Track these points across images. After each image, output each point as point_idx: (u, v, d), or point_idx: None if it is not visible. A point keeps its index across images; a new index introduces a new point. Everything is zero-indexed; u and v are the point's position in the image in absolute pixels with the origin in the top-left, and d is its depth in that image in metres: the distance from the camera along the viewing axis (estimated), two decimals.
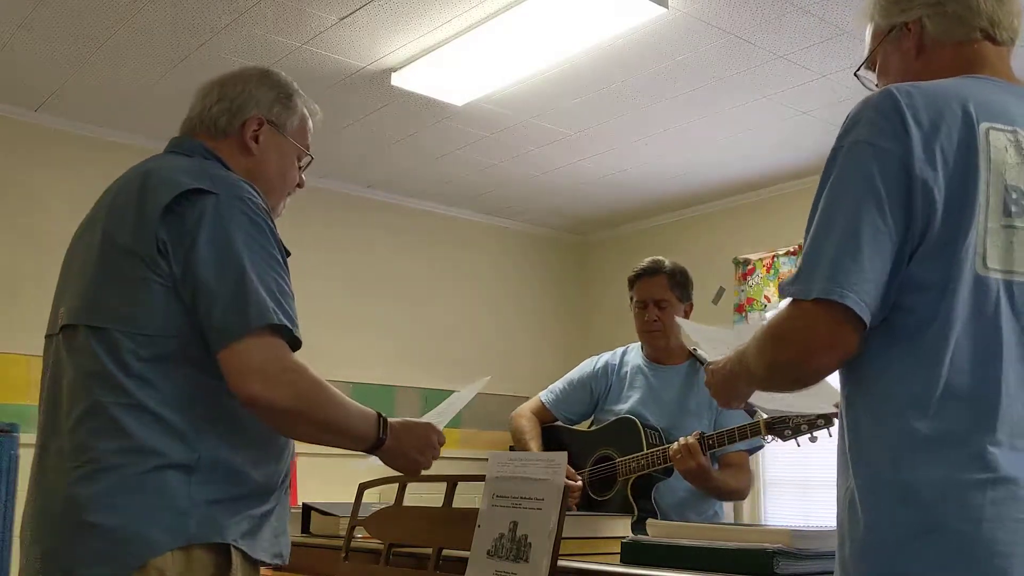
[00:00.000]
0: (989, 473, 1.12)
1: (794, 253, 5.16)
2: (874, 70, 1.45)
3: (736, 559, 1.49)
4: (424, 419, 1.77)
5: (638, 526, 1.98)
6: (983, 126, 1.20)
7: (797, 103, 4.28)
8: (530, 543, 1.50)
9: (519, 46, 3.67)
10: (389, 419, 1.60)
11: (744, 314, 5.32)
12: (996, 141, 1.20)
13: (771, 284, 5.28)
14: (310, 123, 1.75)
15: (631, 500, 2.49)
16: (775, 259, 5.26)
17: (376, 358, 5.53)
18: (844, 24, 3.54)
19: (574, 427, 2.77)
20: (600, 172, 5.27)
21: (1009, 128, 1.22)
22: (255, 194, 1.50)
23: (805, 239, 1.23)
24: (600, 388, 2.78)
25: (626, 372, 2.75)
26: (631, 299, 2.74)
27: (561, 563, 1.50)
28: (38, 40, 3.77)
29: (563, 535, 1.48)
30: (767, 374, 1.29)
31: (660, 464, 2.45)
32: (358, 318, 5.49)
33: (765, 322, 1.28)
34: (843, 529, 1.21)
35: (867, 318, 1.16)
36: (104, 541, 1.36)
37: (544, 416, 2.79)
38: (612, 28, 3.52)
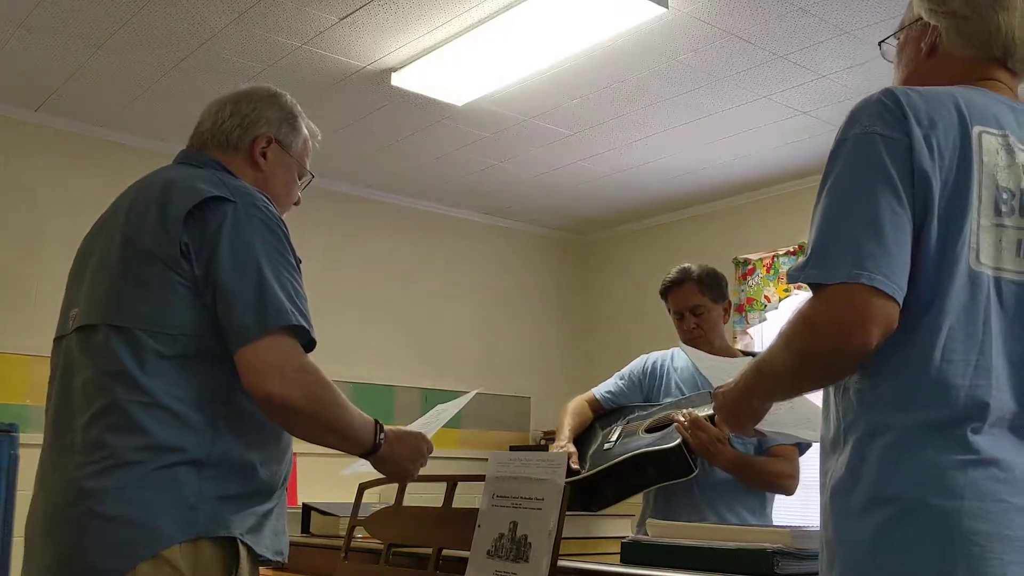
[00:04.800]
0: (972, 455, 1.15)
1: (794, 253, 5.16)
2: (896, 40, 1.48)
3: (736, 559, 1.49)
4: (414, 426, 1.82)
5: (639, 526, 1.98)
6: (976, 129, 1.23)
7: (797, 103, 4.28)
8: (530, 543, 1.50)
9: (519, 46, 3.67)
10: (385, 426, 1.66)
11: (744, 314, 5.32)
12: (988, 144, 1.24)
13: (771, 284, 5.28)
14: (311, 144, 1.84)
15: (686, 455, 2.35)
16: (775, 259, 5.26)
17: (376, 358, 5.53)
18: (844, 24, 3.54)
19: (642, 404, 2.71)
20: (600, 172, 5.27)
21: (1000, 132, 1.26)
22: (269, 203, 1.58)
23: (811, 228, 1.23)
24: (650, 385, 2.75)
25: (678, 370, 2.73)
26: (668, 310, 2.73)
27: (561, 563, 1.50)
28: (38, 40, 3.77)
29: (563, 535, 1.48)
30: (797, 368, 1.24)
31: (708, 405, 2.34)
32: (357, 318, 5.49)
33: (785, 320, 1.26)
34: (827, 512, 1.23)
35: (899, 297, 1.16)
36: (116, 531, 1.40)
37: (597, 408, 2.78)
38: (612, 28, 3.52)
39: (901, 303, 1.16)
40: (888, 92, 1.24)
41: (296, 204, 1.84)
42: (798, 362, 1.24)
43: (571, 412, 2.73)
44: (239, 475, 1.50)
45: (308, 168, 1.84)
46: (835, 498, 1.21)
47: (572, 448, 2.55)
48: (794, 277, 1.22)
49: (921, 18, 1.40)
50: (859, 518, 1.17)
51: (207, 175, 1.59)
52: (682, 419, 2.35)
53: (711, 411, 2.35)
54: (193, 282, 1.48)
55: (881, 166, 1.19)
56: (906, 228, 1.18)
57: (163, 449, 1.44)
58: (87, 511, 1.42)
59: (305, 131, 1.82)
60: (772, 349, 1.28)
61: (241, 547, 1.48)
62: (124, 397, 1.45)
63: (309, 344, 1.52)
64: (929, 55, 1.38)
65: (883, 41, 1.50)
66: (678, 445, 2.32)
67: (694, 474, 2.32)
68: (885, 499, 1.16)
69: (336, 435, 1.55)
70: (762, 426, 1.50)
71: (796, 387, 1.34)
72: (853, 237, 1.17)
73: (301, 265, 1.59)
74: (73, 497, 1.44)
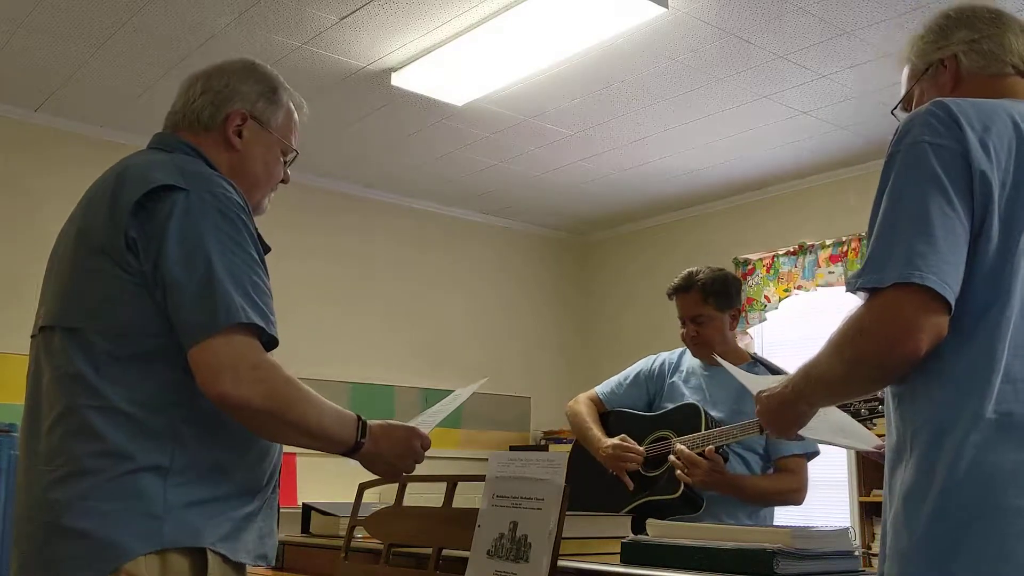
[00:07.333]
0: None
1: (794, 253, 5.16)
2: (910, 109, 1.50)
3: (736, 559, 1.49)
4: (415, 420, 1.72)
5: (638, 524, 1.97)
6: None
7: (797, 103, 4.28)
8: (530, 543, 1.50)
9: (519, 46, 3.67)
10: (370, 422, 1.54)
11: (744, 314, 5.32)
12: None
13: (771, 284, 5.28)
14: (296, 117, 1.70)
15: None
16: (775, 259, 5.26)
17: (376, 358, 5.53)
18: (844, 24, 3.54)
19: (637, 411, 2.73)
20: (600, 172, 5.27)
21: None
22: (229, 189, 1.46)
23: (868, 238, 1.25)
24: (655, 387, 2.75)
25: (683, 371, 2.72)
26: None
27: (561, 563, 1.50)
28: (38, 40, 3.77)
29: (563, 535, 1.48)
30: (848, 373, 1.27)
31: (712, 444, 2.42)
32: (357, 318, 5.49)
33: (838, 326, 1.27)
34: (899, 519, 1.22)
35: (951, 298, 1.17)
36: (77, 546, 1.34)
37: (598, 408, 2.78)
38: (612, 28, 3.53)
39: (953, 304, 1.17)
40: (938, 103, 1.27)
41: (284, 182, 1.69)
42: (848, 368, 1.26)
43: (586, 415, 2.74)
44: (210, 479, 1.40)
45: (293, 144, 1.68)
46: (907, 504, 1.21)
47: (620, 439, 2.59)
48: (851, 285, 1.24)
49: (931, 65, 1.44)
50: (933, 523, 1.17)
51: (167, 161, 1.47)
52: (677, 460, 2.40)
53: (699, 436, 2.44)
54: (142, 277, 1.38)
55: (931, 171, 1.21)
56: (958, 231, 1.19)
57: (121, 455, 1.35)
58: (48, 522, 1.36)
59: (288, 103, 1.67)
60: (822, 355, 1.30)
61: (212, 557, 1.38)
62: (80, 401, 1.37)
63: (270, 342, 1.40)
64: (955, 87, 1.42)
65: (894, 110, 1.53)
66: (682, 493, 2.42)
67: (703, 508, 2.43)
68: (959, 502, 1.15)
69: (306, 434, 1.43)
70: (803, 431, 1.51)
71: (846, 392, 1.38)
72: (904, 240, 1.19)
73: (290, 260, 1.50)
74: (37, 507, 1.39)
